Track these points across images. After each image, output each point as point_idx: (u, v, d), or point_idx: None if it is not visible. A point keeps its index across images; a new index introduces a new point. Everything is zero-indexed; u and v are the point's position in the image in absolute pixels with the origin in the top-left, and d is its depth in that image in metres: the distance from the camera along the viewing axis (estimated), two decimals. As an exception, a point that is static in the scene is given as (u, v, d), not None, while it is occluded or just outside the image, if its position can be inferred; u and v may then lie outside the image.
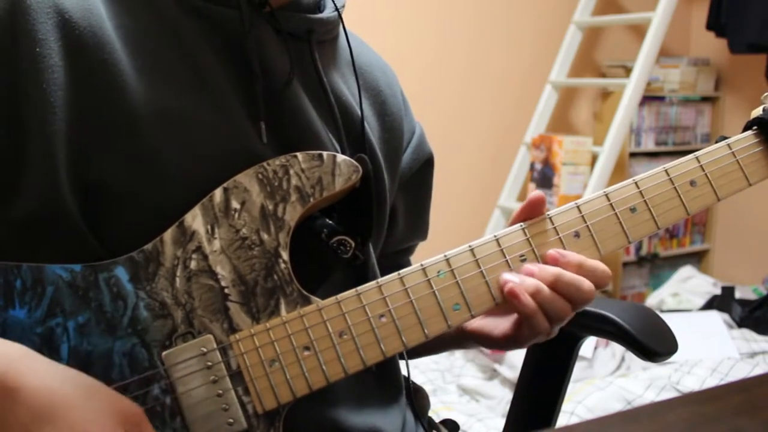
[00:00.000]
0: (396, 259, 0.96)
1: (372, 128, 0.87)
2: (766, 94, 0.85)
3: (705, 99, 3.59)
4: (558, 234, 0.76)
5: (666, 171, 0.80)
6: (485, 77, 3.16)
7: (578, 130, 3.40)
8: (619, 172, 3.08)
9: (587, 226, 0.77)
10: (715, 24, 3.21)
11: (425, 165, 0.96)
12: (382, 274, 0.75)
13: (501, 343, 0.81)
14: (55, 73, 0.69)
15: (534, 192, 0.77)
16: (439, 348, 0.95)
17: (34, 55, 0.69)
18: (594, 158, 2.99)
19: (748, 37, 3.02)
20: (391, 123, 0.90)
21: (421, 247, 1.02)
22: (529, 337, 0.77)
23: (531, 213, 0.77)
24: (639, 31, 3.32)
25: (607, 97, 3.24)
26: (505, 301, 0.74)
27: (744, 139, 0.83)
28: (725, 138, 0.83)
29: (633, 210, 0.78)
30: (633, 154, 3.39)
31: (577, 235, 0.77)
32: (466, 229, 2.96)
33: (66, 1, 0.71)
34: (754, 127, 0.83)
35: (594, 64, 3.47)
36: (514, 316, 0.79)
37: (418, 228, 0.98)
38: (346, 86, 0.85)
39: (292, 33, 0.80)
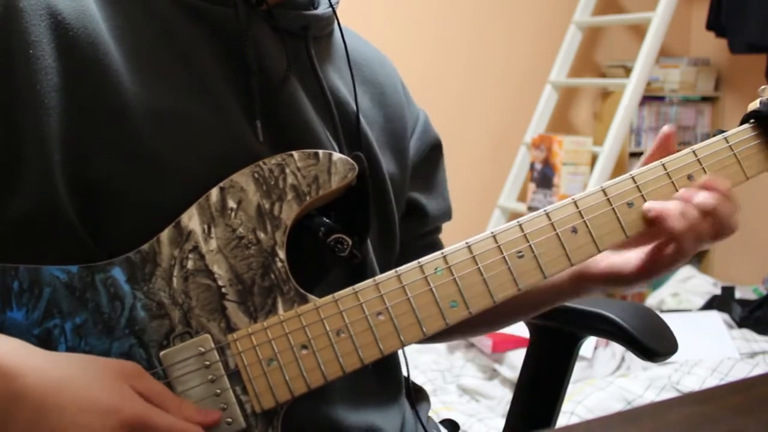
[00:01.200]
0: (426, 240, 0.97)
1: (372, 121, 0.87)
2: (763, 87, 0.85)
3: (705, 99, 3.59)
4: (555, 230, 0.76)
5: (663, 165, 0.80)
6: (485, 77, 3.16)
7: (578, 130, 3.40)
8: (619, 172, 3.08)
9: (585, 221, 0.76)
10: (715, 24, 3.21)
11: (433, 149, 0.97)
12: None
13: (632, 279, 0.80)
14: (49, 74, 0.69)
15: (664, 128, 0.80)
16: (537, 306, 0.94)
17: (28, 56, 0.69)
18: (594, 158, 2.99)
19: (748, 37, 3.01)
20: (392, 113, 0.91)
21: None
22: (669, 263, 0.77)
23: (665, 151, 0.80)
24: (639, 31, 3.31)
25: (607, 97, 3.24)
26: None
27: (741, 132, 0.83)
28: (722, 131, 0.83)
29: (630, 205, 0.78)
30: (633, 154, 3.38)
31: (574, 230, 0.76)
32: (466, 229, 2.95)
33: (59, 2, 0.71)
34: (751, 120, 0.83)
35: (594, 64, 3.47)
36: (644, 249, 0.79)
37: (441, 207, 0.98)
38: (342, 81, 0.85)
39: (287, 30, 0.80)
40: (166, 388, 0.67)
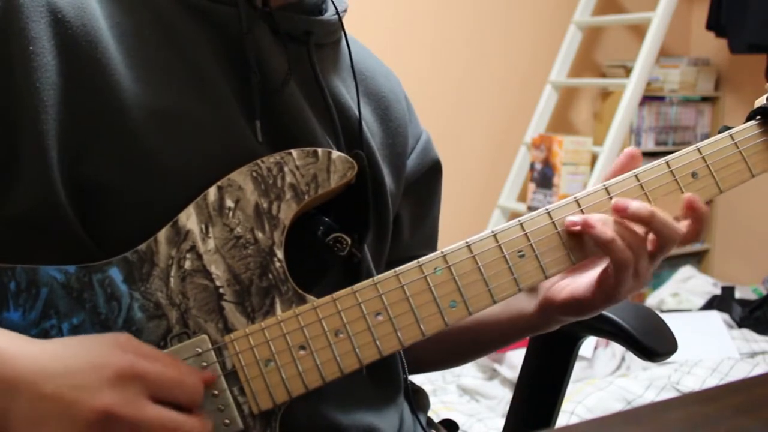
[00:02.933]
0: (403, 263, 0.95)
1: (374, 134, 0.87)
2: None
3: (705, 99, 3.59)
4: (556, 229, 0.75)
5: (667, 163, 0.78)
6: (485, 77, 3.16)
7: (578, 130, 3.40)
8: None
9: None
10: (715, 24, 3.21)
11: (431, 171, 0.95)
12: None
13: (595, 301, 0.77)
14: (48, 72, 0.69)
15: (631, 150, 0.78)
16: (493, 344, 0.94)
17: (27, 53, 0.68)
18: (594, 158, 2.99)
19: (748, 37, 3.01)
20: (395, 129, 0.90)
21: (422, 248, 1.01)
22: (616, 283, 0.74)
23: (626, 168, 0.77)
24: (639, 31, 3.31)
25: (607, 97, 3.24)
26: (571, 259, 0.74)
27: (747, 129, 0.81)
28: (728, 128, 0.81)
29: None
30: (633, 154, 3.38)
31: (576, 229, 0.76)
32: (466, 229, 2.94)
33: None
34: (758, 117, 0.82)
35: (594, 64, 3.47)
36: (595, 271, 0.77)
37: (425, 238, 0.97)
38: (346, 90, 0.85)
39: (290, 34, 0.80)
40: (155, 349, 0.67)
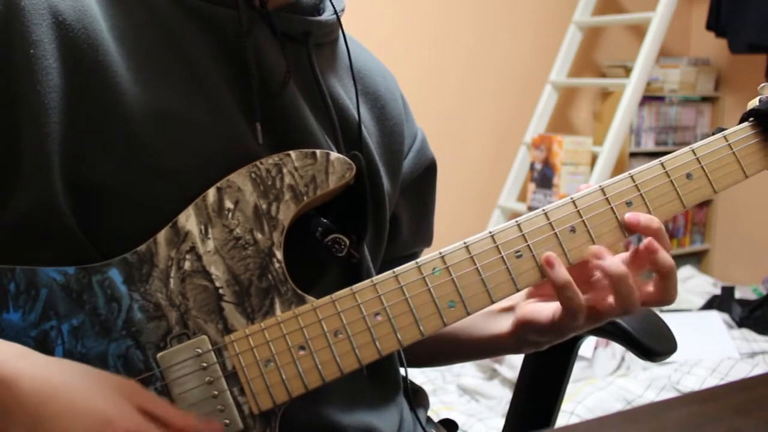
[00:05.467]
0: (400, 261, 0.95)
1: (371, 133, 0.87)
2: (762, 84, 0.84)
3: (705, 99, 3.59)
4: (554, 229, 0.75)
5: (662, 164, 0.79)
6: (485, 77, 3.16)
7: (578, 130, 3.40)
8: (619, 172, 3.05)
9: (583, 221, 0.76)
10: (715, 24, 3.22)
11: (427, 170, 0.95)
12: None
13: (544, 329, 0.78)
14: (50, 74, 0.69)
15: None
16: (458, 356, 0.96)
17: (28, 56, 0.68)
18: (594, 158, 2.99)
19: (748, 37, 3.01)
20: (391, 128, 0.90)
21: (423, 248, 1.01)
22: (568, 322, 0.75)
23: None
24: (639, 31, 3.32)
25: (607, 97, 3.25)
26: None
27: (740, 131, 0.82)
28: (722, 129, 0.82)
29: (629, 204, 0.77)
30: (633, 154, 3.39)
31: (572, 230, 0.76)
32: (466, 229, 2.94)
33: (61, 2, 0.71)
34: (751, 119, 0.83)
35: (594, 64, 3.47)
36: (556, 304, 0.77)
37: (422, 234, 0.98)
38: (344, 90, 0.85)
39: (289, 34, 0.80)
40: (165, 401, 0.67)
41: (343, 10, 0.86)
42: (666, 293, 0.75)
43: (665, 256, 0.74)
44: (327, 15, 0.84)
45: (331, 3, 0.85)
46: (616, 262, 0.74)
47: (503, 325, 0.85)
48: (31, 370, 0.62)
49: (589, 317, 0.75)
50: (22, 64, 0.68)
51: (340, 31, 0.87)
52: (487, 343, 0.88)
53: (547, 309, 0.78)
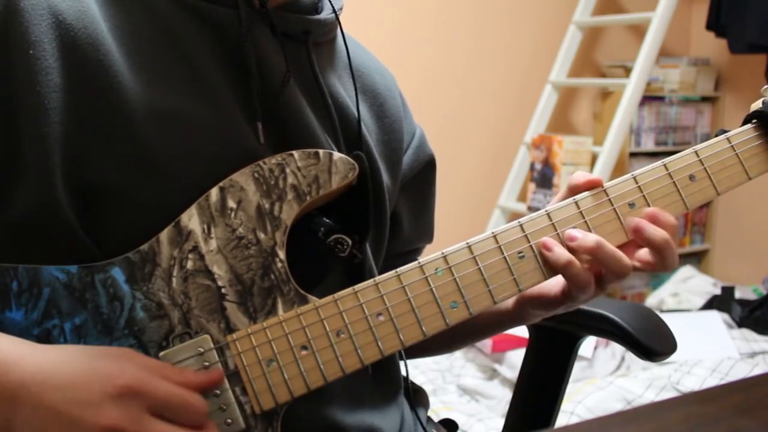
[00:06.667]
0: (403, 261, 0.96)
1: (370, 131, 0.87)
2: (765, 87, 0.85)
3: (705, 99, 3.59)
4: (556, 230, 0.76)
5: (665, 165, 0.79)
6: (485, 77, 3.16)
7: (578, 130, 3.40)
8: (619, 172, 3.08)
9: (586, 222, 0.76)
10: (715, 24, 3.21)
11: (426, 167, 0.96)
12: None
13: (554, 302, 0.80)
14: (50, 75, 0.69)
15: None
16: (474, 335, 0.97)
17: (28, 57, 0.68)
18: (594, 158, 2.99)
19: (748, 37, 3.01)
20: (390, 125, 0.90)
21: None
22: (577, 294, 0.77)
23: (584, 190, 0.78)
24: (639, 31, 3.31)
25: (607, 97, 3.24)
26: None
27: (743, 133, 0.82)
28: (725, 131, 0.82)
29: (632, 205, 0.77)
30: (633, 154, 3.38)
31: (575, 231, 0.76)
32: (466, 229, 2.96)
33: (60, 2, 0.71)
34: (754, 120, 0.83)
35: (594, 64, 3.47)
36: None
37: (423, 230, 0.98)
38: (343, 88, 0.85)
39: (288, 34, 0.80)
40: (164, 363, 0.68)
41: (341, 9, 0.86)
42: (663, 263, 0.77)
43: (654, 231, 0.76)
44: (326, 14, 0.84)
45: (330, 2, 0.85)
46: (586, 235, 0.75)
47: (507, 301, 0.85)
48: (31, 353, 0.63)
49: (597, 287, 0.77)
50: (22, 65, 0.68)
51: (339, 30, 0.87)
52: (492, 318, 0.89)
53: (556, 284, 0.79)
